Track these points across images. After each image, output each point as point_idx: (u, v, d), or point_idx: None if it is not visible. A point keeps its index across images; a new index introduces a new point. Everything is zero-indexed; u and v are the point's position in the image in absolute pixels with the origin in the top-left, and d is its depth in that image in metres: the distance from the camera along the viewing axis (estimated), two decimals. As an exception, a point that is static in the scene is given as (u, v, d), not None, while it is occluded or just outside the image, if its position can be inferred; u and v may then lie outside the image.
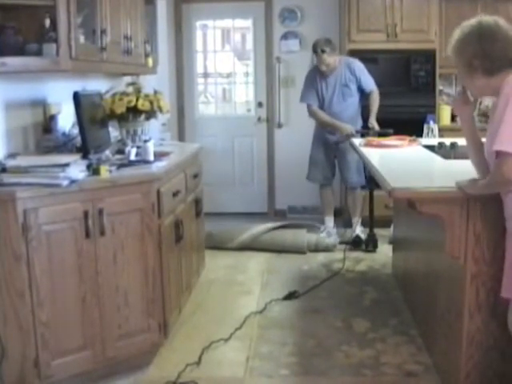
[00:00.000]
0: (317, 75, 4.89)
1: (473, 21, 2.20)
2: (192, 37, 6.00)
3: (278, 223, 4.95)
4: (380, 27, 5.23)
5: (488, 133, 2.11)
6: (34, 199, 2.37)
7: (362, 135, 4.55)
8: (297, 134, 5.89)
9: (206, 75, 6.22)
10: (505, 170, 1.97)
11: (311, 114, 4.97)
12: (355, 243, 4.79)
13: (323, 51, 4.71)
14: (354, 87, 4.86)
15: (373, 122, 4.81)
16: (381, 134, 4.36)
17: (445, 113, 5.55)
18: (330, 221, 5.15)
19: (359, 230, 4.95)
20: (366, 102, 4.91)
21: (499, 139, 1.97)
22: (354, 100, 4.89)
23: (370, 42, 5.22)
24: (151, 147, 3.04)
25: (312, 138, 5.11)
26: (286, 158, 5.95)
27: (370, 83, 4.87)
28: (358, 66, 4.88)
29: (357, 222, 5.01)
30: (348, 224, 5.23)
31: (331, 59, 4.75)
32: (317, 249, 4.71)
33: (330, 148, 5.00)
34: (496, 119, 2.03)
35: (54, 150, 2.96)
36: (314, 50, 4.79)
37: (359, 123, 4.94)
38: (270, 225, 4.90)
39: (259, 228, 4.84)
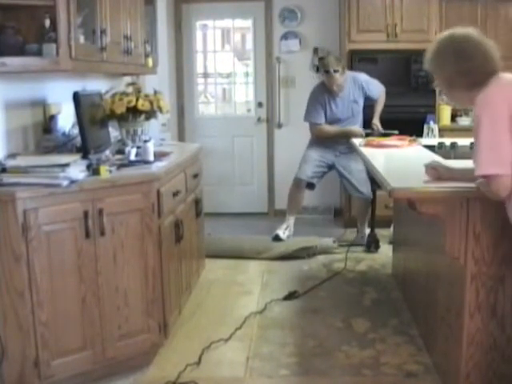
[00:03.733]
0: (325, 94, 4.77)
1: (445, 37, 2.22)
2: (192, 37, 6.00)
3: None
4: (380, 27, 5.23)
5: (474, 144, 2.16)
6: (33, 199, 2.37)
7: (367, 135, 4.52)
8: (297, 134, 5.87)
9: (205, 75, 6.22)
10: (493, 190, 2.06)
11: (319, 132, 4.84)
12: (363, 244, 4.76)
13: (336, 71, 4.59)
14: (361, 101, 4.84)
15: (376, 123, 4.79)
16: (386, 135, 4.31)
17: (445, 113, 5.54)
18: (291, 220, 5.00)
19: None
20: (370, 103, 4.89)
21: (479, 164, 2.05)
22: (360, 112, 4.88)
23: (370, 42, 5.22)
24: (151, 147, 3.04)
25: (309, 141, 5.03)
26: (286, 158, 5.94)
27: (377, 90, 4.83)
28: (364, 79, 4.83)
29: (365, 228, 4.92)
30: (347, 225, 5.24)
31: (342, 78, 4.67)
32: (316, 253, 4.65)
33: (328, 155, 4.89)
34: (475, 140, 2.10)
35: (54, 150, 2.96)
36: (326, 70, 4.64)
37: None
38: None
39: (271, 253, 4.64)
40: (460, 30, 2.22)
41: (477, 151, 2.07)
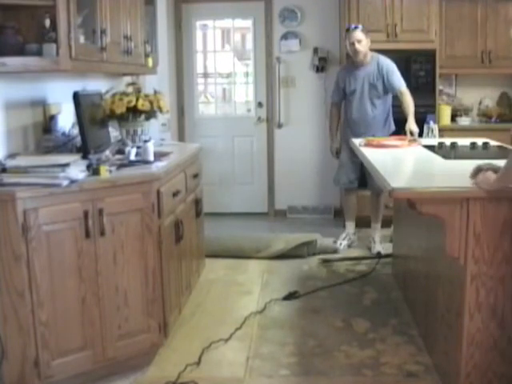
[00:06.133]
0: (345, 69, 4.73)
1: None
2: (192, 37, 6.01)
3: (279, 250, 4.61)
4: (380, 27, 5.23)
5: None
6: (33, 199, 2.37)
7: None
8: (297, 134, 5.90)
9: (206, 75, 6.22)
10: None
11: (330, 110, 4.87)
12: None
13: (356, 27, 4.49)
14: (380, 88, 4.53)
15: (411, 127, 4.33)
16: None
17: (445, 113, 5.55)
18: (351, 226, 4.89)
19: (379, 245, 4.68)
20: (397, 103, 4.62)
21: None
22: (381, 103, 4.59)
23: (370, 42, 5.21)
24: (151, 147, 3.04)
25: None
26: (286, 158, 5.95)
27: (396, 83, 4.49)
28: (387, 63, 4.54)
29: (378, 228, 4.76)
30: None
31: (364, 41, 4.46)
32: (315, 251, 4.64)
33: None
34: None
35: (54, 150, 2.96)
36: (346, 29, 4.60)
37: (391, 128, 4.65)
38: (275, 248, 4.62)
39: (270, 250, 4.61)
40: None
41: None
